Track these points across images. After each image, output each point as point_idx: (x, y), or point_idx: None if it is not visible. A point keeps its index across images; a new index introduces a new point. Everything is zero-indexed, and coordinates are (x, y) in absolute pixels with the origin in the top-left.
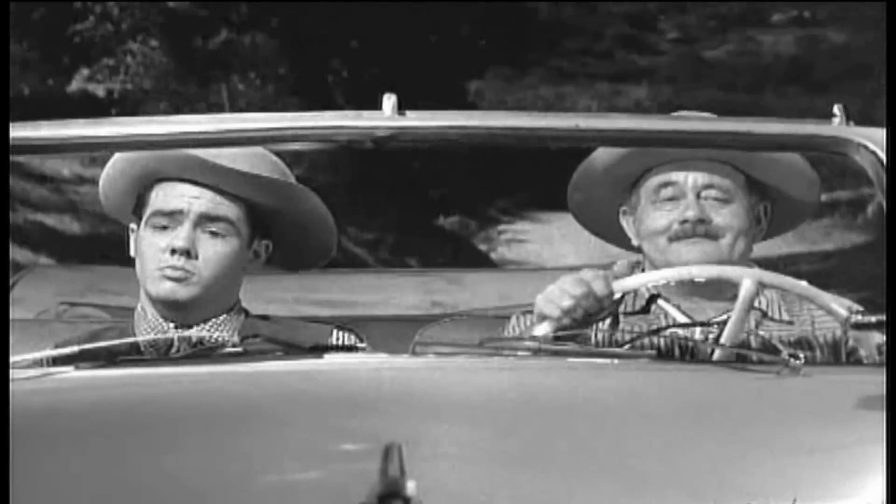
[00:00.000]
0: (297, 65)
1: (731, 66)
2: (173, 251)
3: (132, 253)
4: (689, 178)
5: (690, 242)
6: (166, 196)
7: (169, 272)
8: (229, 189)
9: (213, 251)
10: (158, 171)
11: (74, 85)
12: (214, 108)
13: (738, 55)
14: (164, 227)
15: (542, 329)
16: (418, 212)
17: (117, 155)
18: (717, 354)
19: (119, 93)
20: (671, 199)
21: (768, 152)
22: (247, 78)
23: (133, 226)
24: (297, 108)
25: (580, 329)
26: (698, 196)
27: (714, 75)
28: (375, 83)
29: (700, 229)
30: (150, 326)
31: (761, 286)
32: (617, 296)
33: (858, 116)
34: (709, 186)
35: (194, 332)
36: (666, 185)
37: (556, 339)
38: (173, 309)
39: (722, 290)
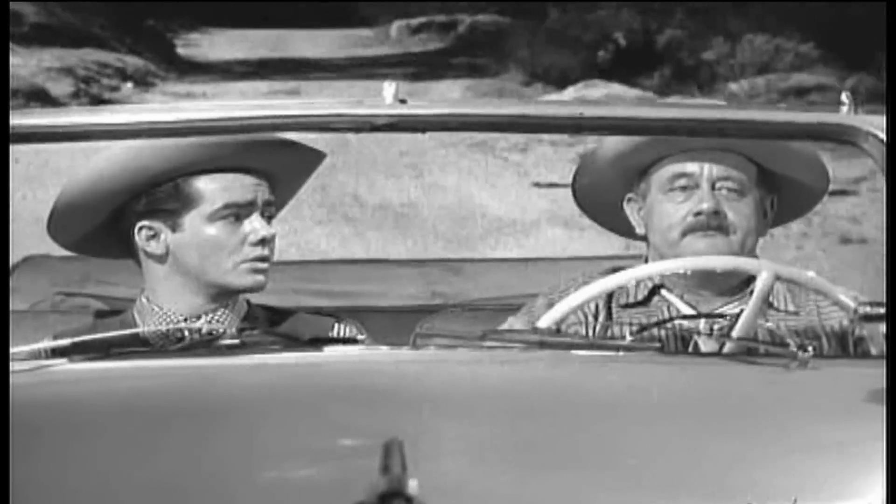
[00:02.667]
0: None
1: None
2: (262, 241)
3: (157, 251)
4: (705, 169)
5: (703, 235)
6: (228, 187)
7: (258, 265)
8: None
9: (273, 235)
10: (195, 162)
11: None
12: None
13: None
14: (237, 219)
15: (546, 321)
16: None
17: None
18: (727, 347)
19: None
20: (684, 189)
21: (778, 141)
22: None
23: (154, 224)
24: None
25: None
26: (713, 187)
27: None
28: None
29: (714, 222)
30: (161, 321)
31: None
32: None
33: None
34: (724, 178)
35: (185, 325)
36: (680, 175)
37: (560, 331)
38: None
39: (727, 283)
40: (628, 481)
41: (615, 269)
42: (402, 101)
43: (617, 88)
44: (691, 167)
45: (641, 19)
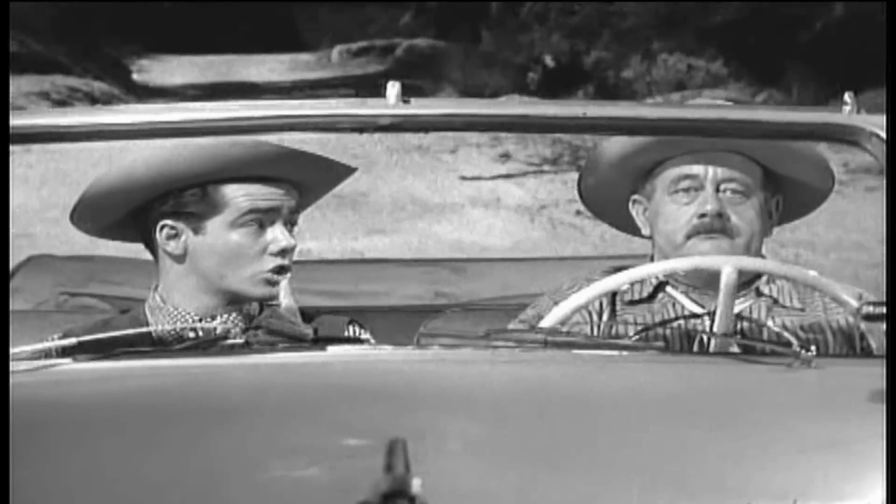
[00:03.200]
0: None
1: None
2: (283, 252)
3: (176, 250)
4: (710, 171)
5: (708, 238)
6: (254, 195)
7: (276, 276)
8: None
9: (294, 246)
10: (226, 168)
11: None
12: None
13: None
14: (261, 226)
15: (551, 319)
16: None
17: (150, 149)
18: (714, 345)
19: None
20: (689, 191)
21: (781, 141)
22: None
23: (177, 224)
24: None
25: None
26: (717, 189)
27: None
28: None
29: (718, 224)
30: (173, 319)
31: (770, 277)
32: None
33: None
34: (728, 180)
35: (190, 325)
36: (685, 177)
37: (564, 330)
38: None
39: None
40: (631, 480)
41: (617, 269)
42: (406, 102)
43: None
44: (696, 169)
45: (570, 42)
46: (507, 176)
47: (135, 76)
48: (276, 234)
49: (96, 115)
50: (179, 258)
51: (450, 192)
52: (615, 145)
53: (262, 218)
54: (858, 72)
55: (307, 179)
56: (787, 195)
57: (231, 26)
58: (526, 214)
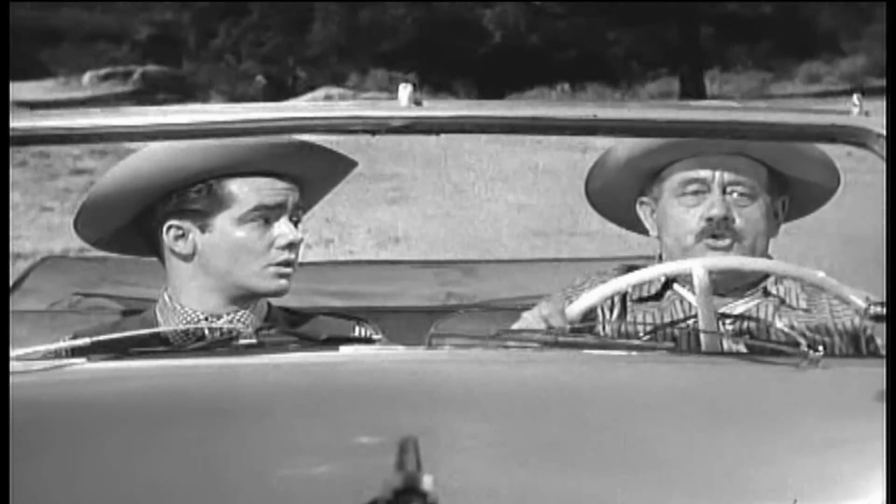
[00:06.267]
0: None
1: None
2: (290, 245)
3: (184, 250)
4: (716, 175)
5: (714, 242)
6: (259, 190)
7: (283, 269)
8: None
9: (301, 240)
10: (229, 165)
11: None
12: None
13: None
14: (267, 221)
15: (575, 310)
16: None
17: (150, 149)
18: (701, 341)
19: None
20: (696, 194)
21: (787, 143)
22: None
23: (183, 223)
24: None
25: None
26: (724, 192)
27: None
28: None
29: (724, 227)
30: (182, 319)
31: (778, 277)
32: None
33: None
34: (735, 183)
35: (205, 324)
36: (692, 180)
37: (573, 330)
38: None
39: (736, 282)
40: (638, 479)
41: (629, 269)
42: (418, 104)
43: None
44: (703, 173)
45: (263, 68)
46: None
47: None
48: (283, 229)
49: (105, 118)
50: (188, 258)
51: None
52: (622, 148)
53: (268, 213)
54: None
55: (312, 173)
56: (794, 195)
57: None
58: None
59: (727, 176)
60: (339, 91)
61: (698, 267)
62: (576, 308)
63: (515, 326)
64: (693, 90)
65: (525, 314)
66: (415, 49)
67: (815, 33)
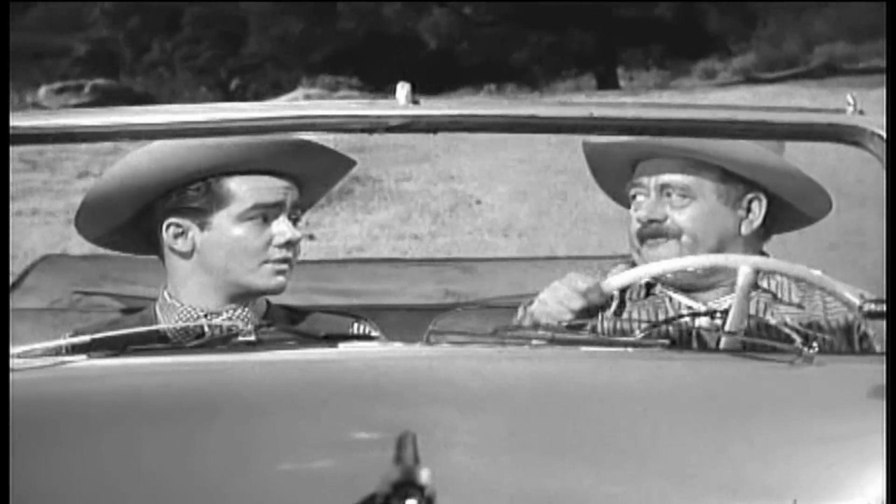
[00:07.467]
0: None
1: None
2: (288, 244)
3: (183, 248)
4: (652, 179)
5: (655, 243)
6: (258, 188)
7: (281, 266)
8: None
9: (299, 238)
10: (228, 163)
11: None
12: None
13: None
14: (265, 220)
15: (612, 285)
16: None
17: (150, 147)
18: (724, 342)
19: None
20: (635, 197)
21: (763, 142)
22: None
23: (182, 221)
24: None
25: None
26: (660, 194)
27: None
28: None
29: (655, 228)
30: (181, 317)
31: (772, 274)
32: (614, 293)
33: None
34: (668, 185)
35: (204, 321)
36: (635, 185)
37: (571, 327)
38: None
39: (717, 281)
40: (635, 476)
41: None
42: (415, 103)
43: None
44: (643, 179)
45: (198, 80)
46: None
47: None
48: (282, 227)
49: (105, 117)
50: (187, 255)
51: None
52: (601, 145)
53: (266, 211)
54: None
55: (311, 172)
56: (772, 198)
57: None
58: None
59: (663, 178)
60: (318, 91)
61: (745, 266)
62: (614, 282)
63: (531, 309)
64: (609, 86)
65: (542, 295)
66: (357, 56)
67: (706, 35)
